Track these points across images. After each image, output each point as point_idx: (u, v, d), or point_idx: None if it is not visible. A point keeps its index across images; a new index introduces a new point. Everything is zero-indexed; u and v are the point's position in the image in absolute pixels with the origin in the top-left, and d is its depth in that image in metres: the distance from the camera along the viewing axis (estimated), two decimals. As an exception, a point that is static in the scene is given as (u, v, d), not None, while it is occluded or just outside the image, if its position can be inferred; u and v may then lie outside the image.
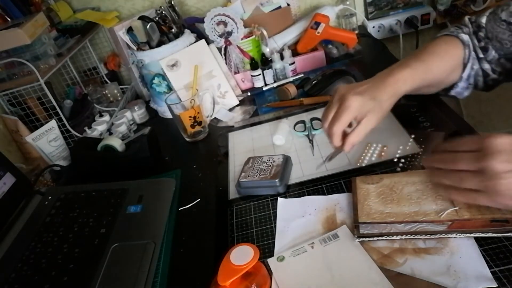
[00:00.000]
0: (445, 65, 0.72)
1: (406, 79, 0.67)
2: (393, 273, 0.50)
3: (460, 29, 0.77)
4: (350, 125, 0.66)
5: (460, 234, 0.51)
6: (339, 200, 0.64)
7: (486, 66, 0.75)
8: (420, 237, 0.53)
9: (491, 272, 0.47)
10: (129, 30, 1.06)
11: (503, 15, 0.71)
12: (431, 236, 0.52)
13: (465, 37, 0.74)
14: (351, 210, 0.60)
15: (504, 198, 0.46)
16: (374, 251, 0.53)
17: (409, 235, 0.53)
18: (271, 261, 0.57)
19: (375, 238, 0.54)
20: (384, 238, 0.54)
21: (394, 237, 0.53)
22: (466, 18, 0.78)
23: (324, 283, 0.51)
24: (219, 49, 1.09)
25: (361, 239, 0.55)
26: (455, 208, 0.53)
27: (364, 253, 0.53)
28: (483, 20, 0.74)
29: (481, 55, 0.75)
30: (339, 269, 0.52)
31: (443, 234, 0.52)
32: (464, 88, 0.77)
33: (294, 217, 0.63)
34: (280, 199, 0.68)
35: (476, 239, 0.51)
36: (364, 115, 0.64)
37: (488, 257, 0.49)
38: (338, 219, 0.60)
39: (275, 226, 0.63)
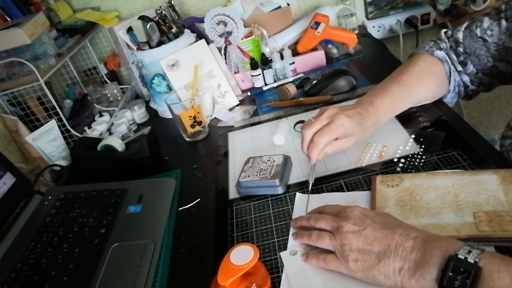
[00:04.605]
0: (428, 83, 0.76)
1: (385, 110, 0.71)
2: None
3: (436, 44, 0.80)
4: None
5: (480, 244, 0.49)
6: (358, 197, 0.63)
7: (465, 78, 0.79)
8: None
9: None
10: (129, 30, 1.06)
11: (478, 32, 0.74)
12: None
13: (441, 53, 0.78)
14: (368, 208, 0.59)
15: (347, 258, 0.49)
16: None
17: None
18: (283, 254, 0.57)
19: None
20: None
21: None
22: (443, 33, 0.81)
23: (334, 279, 0.51)
24: (219, 49, 1.09)
25: None
26: (474, 221, 0.51)
27: None
28: (460, 35, 0.77)
29: (460, 69, 0.78)
30: None
31: None
32: (453, 97, 0.81)
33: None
34: (298, 194, 0.68)
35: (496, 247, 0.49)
36: (347, 136, 0.67)
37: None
38: None
39: (275, 226, 0.63)
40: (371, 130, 0.70)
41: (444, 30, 0.81)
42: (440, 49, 0.78)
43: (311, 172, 0.68)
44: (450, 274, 0.40)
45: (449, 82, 0.78)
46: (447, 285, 0.40)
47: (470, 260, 0.40)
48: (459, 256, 0.41)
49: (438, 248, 0.43)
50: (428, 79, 0.75)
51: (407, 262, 0.45)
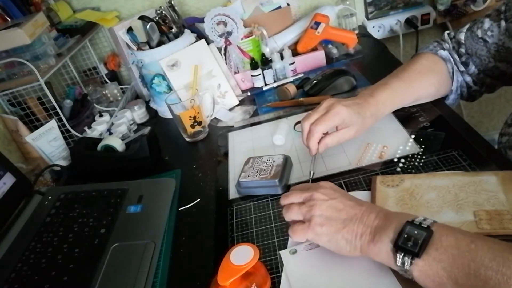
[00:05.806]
0: (430, 80, 0.76)
1: (385, 102, 0.71)
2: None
3: (440, 44, 0.81)
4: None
5: None
6: (357, 197, 0.63)
7: (468, 78, 0.80)
8: None
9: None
10: (129, 30, 1.06)
11: (479, 33, 0.75)
12: None
13: (444, 53, 0.78)
14: None
15: (314, 222, 0.52)
16: None
17: None
18: (283, 253, 0.57)
19: None
20: None
21: None
22: (446, 34, 0.82)
23: (334, 279, 0.51)
24: (219, 49, 1.09)
25: None
26: (475, 220, 0.51)
27: None
28: (462, 36, 0.78)
29: (462, 69, 0.79)
30: (351, 267, 0.52)
31: None
32: (455, 99, 0.81)
33: None
34: None
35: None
36: (346, 125, 0.68)
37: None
38: None
39: (275, 226, 0.63)
40: (370, 120, 0.70)
41: (447, 31, 0.82)
42: (443, 49, 0.79)
43: (312, 163, 0.69)
44: (405, 236, 0.44)
45: (452, 81, 0.78)
46: (401, 245, 0.44)
47: (424, 225, 0.44)
48: (415, 222, 0.45)
49: (398, 217, 0.47)
50: (430, 76, 0.76)
51: (369, 228, 0.48)
